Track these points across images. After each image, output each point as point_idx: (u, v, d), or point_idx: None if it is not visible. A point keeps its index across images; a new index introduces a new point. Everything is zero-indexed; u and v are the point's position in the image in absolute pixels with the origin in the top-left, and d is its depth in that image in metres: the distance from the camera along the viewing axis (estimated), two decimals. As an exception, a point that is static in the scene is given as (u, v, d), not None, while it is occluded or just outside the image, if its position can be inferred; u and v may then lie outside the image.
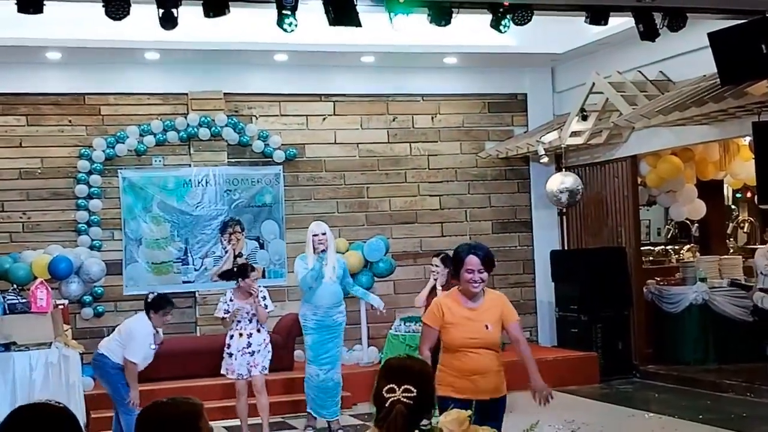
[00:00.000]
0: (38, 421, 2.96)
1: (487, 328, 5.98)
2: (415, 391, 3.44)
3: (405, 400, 3.43)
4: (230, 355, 9.56)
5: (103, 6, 7.31)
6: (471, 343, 5.96)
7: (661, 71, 12.15)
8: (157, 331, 8.88)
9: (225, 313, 9.58)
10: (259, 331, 9.62)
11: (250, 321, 9.57)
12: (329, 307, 9.93)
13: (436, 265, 9.74)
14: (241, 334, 9.56)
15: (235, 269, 10.30)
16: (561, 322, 13.36)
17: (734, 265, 13.35)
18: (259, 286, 9.71)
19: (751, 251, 13.72)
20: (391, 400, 3.44)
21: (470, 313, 6.03)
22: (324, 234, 9.89)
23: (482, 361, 5.96)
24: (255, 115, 13.17)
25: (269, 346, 9.71)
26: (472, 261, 5.98)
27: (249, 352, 9.53)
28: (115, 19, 7.39)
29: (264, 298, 9.64)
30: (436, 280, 9.67)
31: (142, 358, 8.72)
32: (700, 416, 10.07)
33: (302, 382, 10.26)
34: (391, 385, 3.47)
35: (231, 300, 9.60)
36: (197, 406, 3.20)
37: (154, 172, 12.66)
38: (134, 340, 8.66)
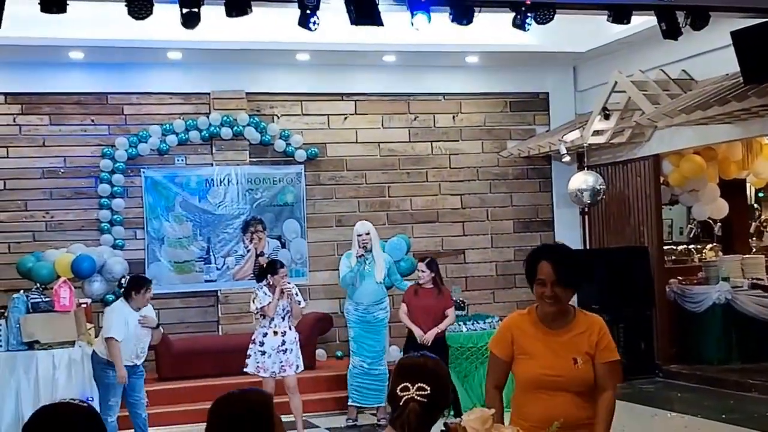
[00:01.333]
0: (62, 419, 2.97)
1: (575, 363, 4.43)
2: (429, 388, 3.43)
3: (419, 398, 3.42)
4: (263, 353, 9.56)
5: (126, 5, 7.34)
6: (549, 383, 4.44)
7: (683, 70, 12.09)
8: (144, 315, 8.92)
9: (265, 304, 9.54)
10: (291, 328, 9.69)
11: (284, 318, 9.63)
12: (370, 304, 10.54)
13: (422, 270, 10.07)
14: (275, 332, 9.59)
15: (264, 266, 10.38)
16: (583, 321, 13.29)
17: (757, 264, 13.29)
18: (289, 282, 9.80)
19: (774, 250, 13.67)
20: (405, 398, 3.44)
21: (551, 340, 4.51)
22: (368, 234, 10.51)
23: (565, 408, 4.39)
24: (277, 115, 13.20)
25: (299, 344, 9.80)
26: (544, 269, 4.48)
27: (283, 350, 9.58)
28: (137, 18, 7.42)
29: (297, 294, 9.75)
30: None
31: (123, 335, 8.68)
32: (723, 416, 10.03)
33: (324, 380, 10.36)
34: (405, 384, 3.46)
35: (266, 293, 9.62)
36: (269, 397, 3.29)
37: (177, 172, 12.71)
38: (109, 319, 8.78)
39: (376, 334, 10.59)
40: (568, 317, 4.54)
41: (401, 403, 3.43)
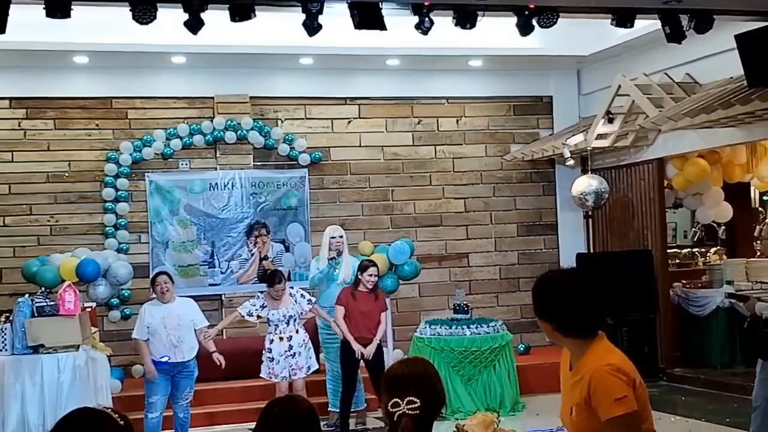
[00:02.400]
0: (83, 425, 2.97)
1: (571, 413, 3.80)
2: (418, 400, 3.40)
3: (410, 412, 3.39)
4: (272, 359, 9.67)
5: (130, 10, 7.36)
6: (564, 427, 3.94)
7: (687, 73, 12.09)
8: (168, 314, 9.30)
9: (248, 316, 9.75)
10: (297, 332, 9.76)
11: (288, 323, 9.70)
12: (332, 307, 10.20)
13: (373, 276, 10.01)
14: (281, 338, 9.70)
15: (268, 272, 10.48)
16: (587, 325, 13.28)
17: (761, 267, 13.25)
18: (294, 288, 10.07)
19: (779, 254, 13.64)
20: (397, 414, 3.41)
21: (565, 381, 3.94)
22: (341, 237, 10.45)
23: None
24: (280, 119, 13.22)
25: (309, 343, 9.88)
26: None
27: (291, 355, 9.73)
28: (141, 23, 7.43)
29: (302, 295, 9.96)
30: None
31: (142, 335, 9.22)
32: (727, 419, 10.02)
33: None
34: (394, 399, 3.43)
35: (263, 306, 9.73)
36: (314, 406, 3.37)
37: (181, 176, 12.73)
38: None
39: (337, 340, 10.26)
40: (579, 355, 3.80)
41: (395, 419, 3.41)
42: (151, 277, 9.84)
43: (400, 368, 3.59)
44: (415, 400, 3.39)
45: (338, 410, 10.19)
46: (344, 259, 10.52)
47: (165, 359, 9.15)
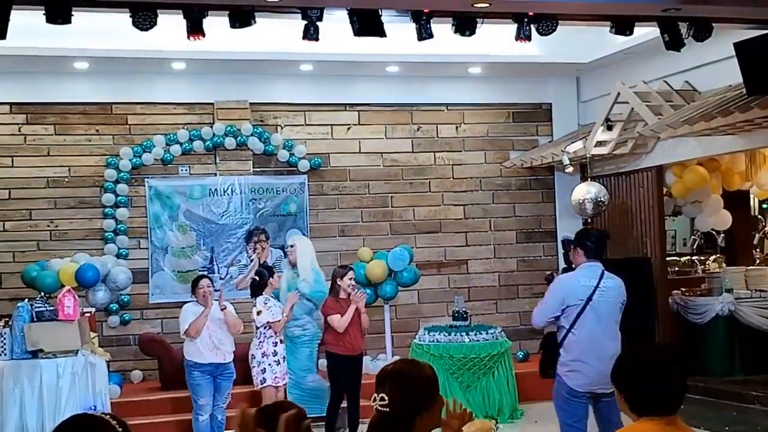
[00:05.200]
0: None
1: None
2: (387, 397, 3.46)
3: (380, 407, 3.47)
4: (278, 362, 9.59)
5: (131, 16, 7.37)
6: None
7: (686, 81, 12.11)
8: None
9: (276, 318, 9.66)
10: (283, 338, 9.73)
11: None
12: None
13: (352, 279, 9.85)
14: (281, 340, 9.75)
15: (257, 279, 10.24)
16: (586, 332, 13.28)
17: (760, 275, 13.26)
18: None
19: (778, 262, 13.65)
20: (374, 408, 3.51)
21: None
22: (292, 246, 10.33)
23: None
24: (280, 125, 13.23)
25: None
26: None
27: (283, 357, 9.65)
28: (142, 29, 7.44)
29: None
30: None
31: (191, 325, 9.45)
32: (726, 428, 10.02)
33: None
34: (374, 395, 3.52)
35: (269, 303, 9.70)
36: (304, 411, 3.32)
37: (181, 181, 12.74)
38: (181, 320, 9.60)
39: (293, 351, 10.16)
40: None
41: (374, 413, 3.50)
42: (192, 280, 9.97)
43: (388, 365, 3.70)
44: (385, 396, 3.46)
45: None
46: (302, 270, 10.37)
47: (205, 362, 9.41)
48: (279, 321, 9.62)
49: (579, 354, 7.00)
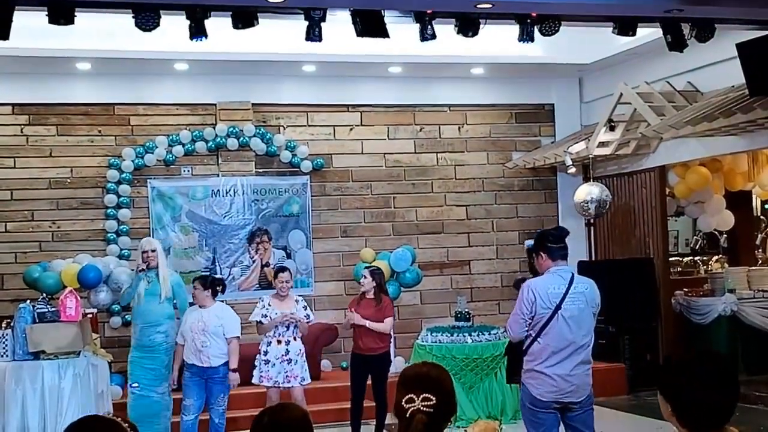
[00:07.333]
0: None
1: None
2: (434, 399, 3.41)
3: (425, 408, 3.40)
4: (267, 362, 9.52)
5: (133, 17, 7.38)
6: None
7: (689, 82, 12.10)
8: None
9: (263, 318, 9.58)
10: (296, 339, 9.63)
11: (288, 327, 9.57)
12: (145, 324, 9.69)
13: (365, 276, 9.82)
14: (279, 341, 9.55)
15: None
16: (588, 333, 13.28)
17: (763, 276, 13.24)
18: (298, 296, 9.95)
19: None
20: (411, 410, 3.42)
21: None
22: (154, 251, 9.80)
23: None
24: (282, 126, 13.23)
25: (305, 355, 9.74)
26: None
27: (287, 360, 9.52)
28: (144, 30, 7.45)
29: (305, 308, 9.76)
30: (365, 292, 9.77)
31: (180, 338, 9.56)
32: (729, 428, 9.98)
33: (331, 391, 10.33)
34: (410, 395, 3.44)
35: (269, 305, 9.63)
36: (308, 413, 3.33)
37: (183, 182, 12.74)
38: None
39: (151, 359, 9.69)
40: None
41: (408, 415, 3.41)
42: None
43: (419, 367, 3.64)
44: (431, 397, 3.41)
45: None
46: (161, 275, 9.77)
47: (189, 362, 9.35)
48: (262, 324, 9.65)
49: (544, 362, 6.59)
